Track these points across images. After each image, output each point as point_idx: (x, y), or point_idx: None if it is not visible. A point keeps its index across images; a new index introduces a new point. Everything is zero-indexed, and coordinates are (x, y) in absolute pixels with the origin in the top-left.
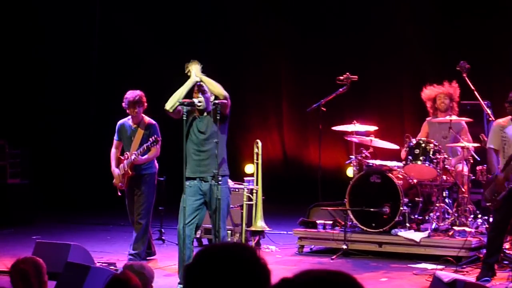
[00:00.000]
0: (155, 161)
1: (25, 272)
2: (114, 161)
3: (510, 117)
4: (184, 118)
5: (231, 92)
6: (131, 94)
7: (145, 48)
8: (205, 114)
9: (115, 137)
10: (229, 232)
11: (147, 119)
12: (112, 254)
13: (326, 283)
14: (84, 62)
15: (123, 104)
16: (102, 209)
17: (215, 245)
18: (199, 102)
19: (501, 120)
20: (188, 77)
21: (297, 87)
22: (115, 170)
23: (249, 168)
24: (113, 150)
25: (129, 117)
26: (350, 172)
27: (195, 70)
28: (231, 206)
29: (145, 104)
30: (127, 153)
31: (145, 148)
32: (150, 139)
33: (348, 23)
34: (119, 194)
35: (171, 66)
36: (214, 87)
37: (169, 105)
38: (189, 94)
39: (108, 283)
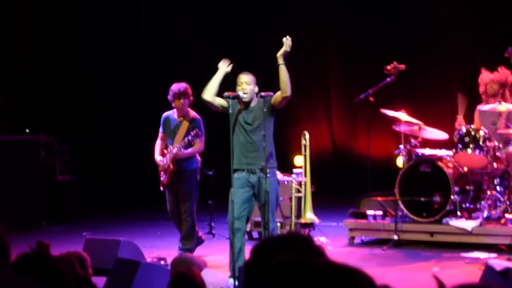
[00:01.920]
0: (198, 157)
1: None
2: (158, 151)
3: None
4: (230, 111)
5: (279, 85)
6: (176, 86)
7: (193, 43)
8: (251, 106)
9: (160, 129)
10: (279, 224)
11: (192, 113)
12: (162, 249)
13: None
14: (131, 59)
15: (168, 97)
16: (152, 204)
17: (270, 238)
18: (244, 93)
19: None
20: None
21: (345, 78)
22: (158, 158)
23: (298, 160)
24: (158, 141)
25: (175, 110)
26: (399, 162)
27: (226, 63)
28: (280, 198)
29: (191, 97)
30: (170, 146)
31: (186, 141)
32: (192, 133)
33: (395, 12)
34: (162, 189)
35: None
36: (284, 81)
37: (206, 94)
38: (234, 87)
39: (172, 280)
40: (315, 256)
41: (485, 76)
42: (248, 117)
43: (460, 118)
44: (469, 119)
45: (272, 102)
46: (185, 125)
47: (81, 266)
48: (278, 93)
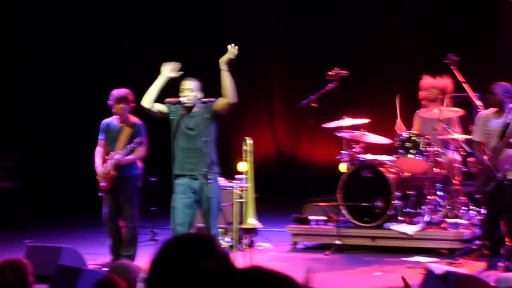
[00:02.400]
0: (139, 163)
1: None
2: (98, 159)
3: (493, 109)
4: (171, 117)
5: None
6: (117, 91)
7: (137, 47)
8: (194, 111)
9: (100, 137)
10: (222, 230)
11: (133, 118)
12: (105, 256)
13: None
14: (75, 66)
15: (109, 101)
16: (96, 211)
17: (177, 237)
18: (188, 100)
19: (484, 112)
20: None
21: (288, 84)
22: (98, 167)
23: (242, 166)
24: (98, 148)
25: (115, 116)
26: (342, 167)
27: (169, 68)
28: (223, 204)
29: (132, 103)
30: (112, 153)
31: (129, 149)
32: (135, 140)
33: (338, 19)
34: (100, 194)
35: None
36: (227, 87)
37: (144, 101)
38: (176, 93)
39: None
40: (216, 257)
41: (426, 81)
42: (190, 123)
43: (399, 122)
44: (407, 123)
45: (214, 108)
46: (126, 131)
47: (18, 273)
48: (221, 99)
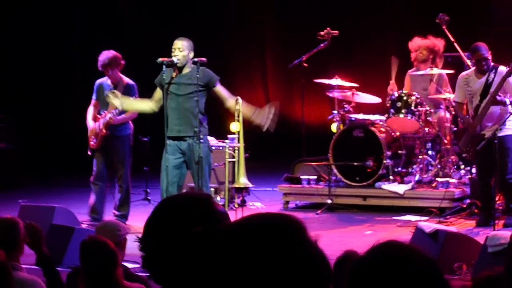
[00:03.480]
0: (130, 123)
1: None
2: (90, 116)
3: (473, 68)
4: (164, 77)
5: (215, 51)
6: (103, 56)
7: (129, 15)
8: (184, 72)
9: (93, 97)
10: (214, 189)
11: (125, 79)
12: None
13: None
14: (68, 27)
15: (98, 67)
16: (88, 171)
17: (173, 196)
18: (178, 59)
19: (464, 73)
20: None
21: (280, 44)
22: (90, 123)
23: (234, 126)
24: (90, 107)
25: (107, 77)
26: (333, 127)
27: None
28: (215, 164)
29: (121, 63)
30: (105, 111)
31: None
32: (136, 98)
33: None
34: (89, 153)
35: (152, 27)
36: (238, 111)
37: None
38: (169, 53)
39: (80, 250)
40: (215, 218)
41: (415, 43)
42: (180, 84)
43: (392, 84)
44: (400, 84)
45: (211, 87)
46: (120, 90)
47: (9, 230)
48: (223, 95)
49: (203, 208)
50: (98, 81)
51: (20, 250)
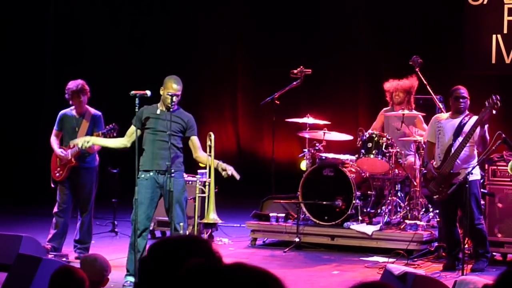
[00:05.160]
0: (97, 155)
1: None
2: (56, 144)
3: (450, 112)
4: (137, 110)
5: (187, 86)
6: (73, 84)
7: (98, 41)
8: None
9: (55, 127)
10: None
11: (91, 110)
12: (64, 246)
13: None
14: (39, 52)
15: (66, 96)
16: (52, 200)
17: (169, 237)
18: (173, 104)
19: (439, 114)
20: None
21: (252, 80)
22: (60, 152)
23: None
24: (53, 137)
25: (72, 107)
26: (303, 165)
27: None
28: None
29: (89, 93)
30: (72, 142)
31: (101, 135)
32: (108, 126)
33: (303, 17)
34: (53, 185)
35: (123, 56)
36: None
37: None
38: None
39: (52, 276)
40: (212, 259)
41: (391, 85)
42: (163, 122)
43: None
44: (372, 120)
45: (189, 139)
46: (85, 122)
47: None
48: (194, 147)
49: (198, 250)
50: (62, 111)
51: None
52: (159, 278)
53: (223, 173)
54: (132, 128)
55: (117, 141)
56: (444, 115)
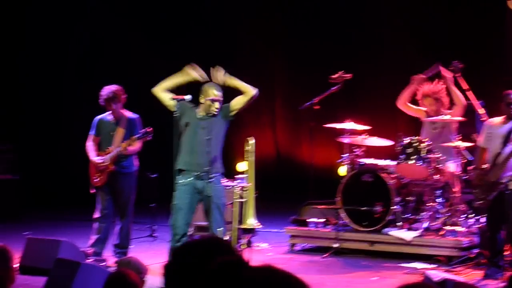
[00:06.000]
0: (136, 160)
1: None
2: (92, 152)
3: (504, 116)
4: (176, 114)
5: (225, 91)
6: (105, 91)
7: (136, 44)
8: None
9: (92, 132)
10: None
11: (127, 113)
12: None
13: None
14: (73, 56)
15: (100, 102)
16: (92, 205)
17: (190, 241)
18: (216, 110)
19: (492, 120)
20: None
21: (290, 85)
22: (95, 158)
23: (241, 166)
24: (89, 143)
25: (109, 112)
26: (342, 170)
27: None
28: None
29: (123, 98)
30: (109, 147)
31: (135, 139)
32: (141, 131)
33: (341, 21)
34: (92, 191)
35: (161, 63)
36: (241, 85)
37: (156, 88)
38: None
39: (106, 282)
40: (234, 259)
41: (419, 93)
42: (205, 125)
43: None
44: (412, 128)
45: (232, 109)
46: (122, 125)
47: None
48: (239, 97)
49: (221, 252)
50: (98, 117)
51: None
52: (183, 281)
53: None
54: (171, 103)
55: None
56: (497, 120)
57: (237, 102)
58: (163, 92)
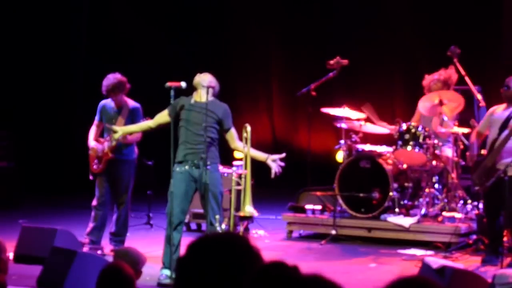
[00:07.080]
0: (135, 147)
1: None
2: (92, 136)
3: (505, 104)
4: (172, 102)
5: (221, 77)
6: (107, 80)
7: (135, 33)
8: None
9: (96, 117)
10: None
11: (130, 102)
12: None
13: None
14: (73, 42)
15: (102, 91)
16: (89, 192)
17: (206, 235)
18: (210, 99)
19: (496, 107)
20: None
21: (287, 71)
22: (92, 143)
23: (238, 153)
24: (93, 127)
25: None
26: (339, 157)
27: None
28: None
29: (126, 87)
30: (109, 135)
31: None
32: (142, 120)
33: (338, 6)
34: (91, 178)
35: (159, 48)
36: (247, 155)
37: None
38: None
39: (100, 276)
40: (251, 256)
41: (428, 78)
42: (199, 114)
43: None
44: (410, 113)
45: (225, 133)
46: (123, 115)
47: None
48: (231, 138)
49: (238, 248)
50: (102, 102)
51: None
52: (198, 277)
53: (274, 166)
54: (164, 113)
55: (143, 124)
56: (500, 107)
57: (228, 136)
58: (158, 124)
